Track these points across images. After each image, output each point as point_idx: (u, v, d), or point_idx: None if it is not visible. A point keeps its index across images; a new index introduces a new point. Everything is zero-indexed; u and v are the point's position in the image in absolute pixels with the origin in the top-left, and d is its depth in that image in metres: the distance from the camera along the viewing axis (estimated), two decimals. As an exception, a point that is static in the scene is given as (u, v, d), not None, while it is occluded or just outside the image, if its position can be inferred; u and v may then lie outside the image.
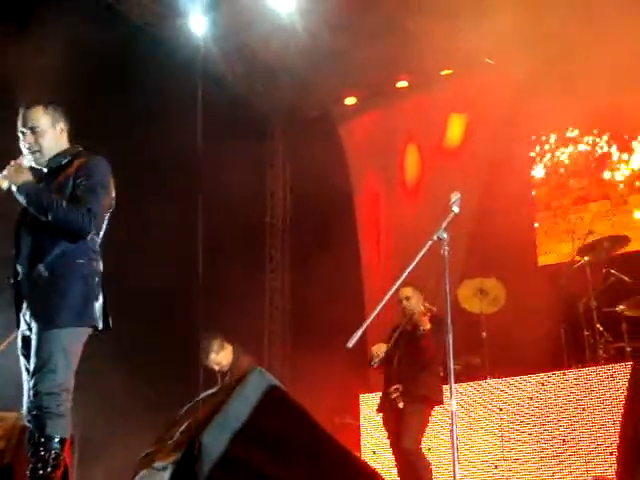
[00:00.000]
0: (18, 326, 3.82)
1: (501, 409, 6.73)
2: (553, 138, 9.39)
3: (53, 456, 3.51)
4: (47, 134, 3.87)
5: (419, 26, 8.73)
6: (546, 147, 9.44)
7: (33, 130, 3.84)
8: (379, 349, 6.03)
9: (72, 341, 3.66)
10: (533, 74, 8.56)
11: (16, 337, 4.51)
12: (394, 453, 5.89)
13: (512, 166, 9.01)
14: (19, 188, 3.68)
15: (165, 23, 9.28)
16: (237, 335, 8.46)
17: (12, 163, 3.78)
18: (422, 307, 5.82)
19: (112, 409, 7.05)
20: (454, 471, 3.87)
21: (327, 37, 9.35)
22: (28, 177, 3.75)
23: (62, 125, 3.94)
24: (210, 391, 3.28)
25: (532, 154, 9.48)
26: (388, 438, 6.00)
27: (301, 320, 10.04)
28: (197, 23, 9.25)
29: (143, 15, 9.06)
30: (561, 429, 6.44)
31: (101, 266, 3.86)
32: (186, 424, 3.01)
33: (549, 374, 6.70)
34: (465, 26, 8.16)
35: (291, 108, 10.88)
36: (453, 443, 3.88)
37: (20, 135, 3.89)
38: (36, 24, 6.84)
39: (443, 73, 9.79)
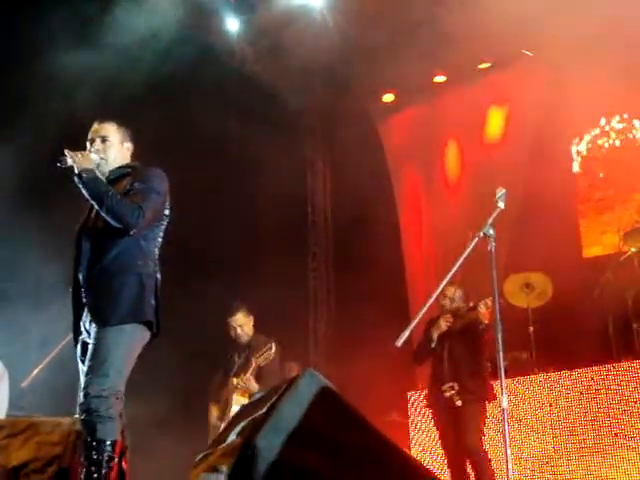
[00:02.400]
0: (75, 333, 3.92)
1: (551, 404, 6.68)
2: (595, 129, 9.27)
3: (106, 459, 3.57)
4: (114, 147, 4.11)
5: (455, 19, 8.70)
6: (587, 138, 9.32)
7: (103, 139, 4.09)
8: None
9: (128, 341, 3.75)
10: (572, 64, 8.45)
11: (69, 342, 4.62)
12: (448, 452, 5.86)
13: (554, 158, 8.91)
14: (81, 172, 3.85)
15: (200, 25, 9.35)
16: (282, 334, 8.54)
17: (81, 151, 3.96)
18: (485, 304, 5.72)
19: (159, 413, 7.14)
20: (507, 468, 3.86)
21: (362, 34, 9.35)
22: (92, 166, 3.92)
23: (128, 145, 4.20)
24: (261, 393, 3.30)
25: (574, 145, 9.36)
26: (440, 437, 5.97)
27: (345, 318, 10.03)
28: (232, 24, 9.33)
29: (178, 18, 9.13)
30: (612, 423, 6.37)
31: (157, 273, 3.99)
32: (240, 426, 3.03)
33: (599, 368, 6.63)
34: (501, 17, 8.10)
35: (329, 107, 10.88)
36: (505, 440, 3.87)
37: (88, 144, 4.09)
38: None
39: (481, 66, 9.71)
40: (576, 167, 9.32)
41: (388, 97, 10.54)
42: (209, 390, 6.69)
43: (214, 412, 6.46)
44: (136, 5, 7.96)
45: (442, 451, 6.10)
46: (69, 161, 3.85)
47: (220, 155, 8.50)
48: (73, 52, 6.88)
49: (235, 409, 5.92)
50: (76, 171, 3.85)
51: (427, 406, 6.18)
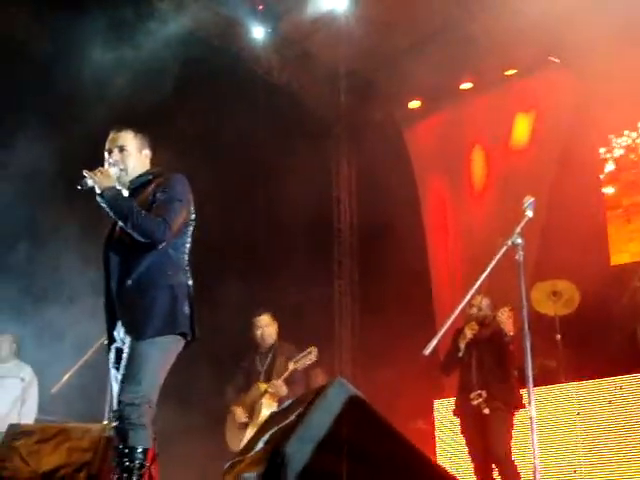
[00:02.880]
0: (110, 341, 3.95)
1: (579, 413, 6.63)
2: (622, 136, 9.20)
3: (137, 466, 3.58)
4: (133, 156, 4.06)
5: (481, 26, 8.69)
6: (614, 145, 9.25)
7: (121, 149, 4.04)
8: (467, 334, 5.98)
9: (163, 352, 3.76)
10: (599, 70, 8.40)
11: (99, 348, 4.66)
12: (475, 460, 5.84)
13: (581, 165, 8.85)
14: (103, 191, 3.82)
15: (227, 33, 9.42)
16: (307, 342, 8.56)
17: (99, 168, 3.92)
18: (501, 312, 5.74)
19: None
20: (535, 477, 3.84)
21: (388, 40, 9.37)
22: (113, 184, 3.89)
23: (147, 152, 4.15)
24: (290, 401, 3.31)
25: (601, 152, 9.30)
26: (467, 444, 5.96)
27: (370, 325, 10.01)
28: (258, 33, 9.39)
29: (205, 27, 9.21)
30: (640, 432, 6.32)
31: (189, 280, 3.98)
32: (269, 434, 3.05)
33: (627, 376, 6.58)
34: (528, 24, 8.08)
35: (355, 113, 10.90)
36: (534, 449, 3.85)
37: (106, 154, 4.06)
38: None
39: (507, 73, 9.69)
40: (603, 174, 9.25)
41: (414, 104, 10.54)
42: (227, 395, 6.65)
43: (237, 416, 6.40)
44: (166, 14, 8.08)
45: (469, 459, 6.08)
46: (89, 182, 3.82)
47: (246, 162, 8.54)
48: (107, 55, 6.99)
49: (265, 414, 5.91)
50: (98, 191, 3.83)
51: (455, 413, 6.15)
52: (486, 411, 5.69)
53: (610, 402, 6.52)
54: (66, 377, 6.02)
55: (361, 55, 9.85)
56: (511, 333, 5.69)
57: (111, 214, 3.84)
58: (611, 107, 8.38)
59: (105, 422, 4.97)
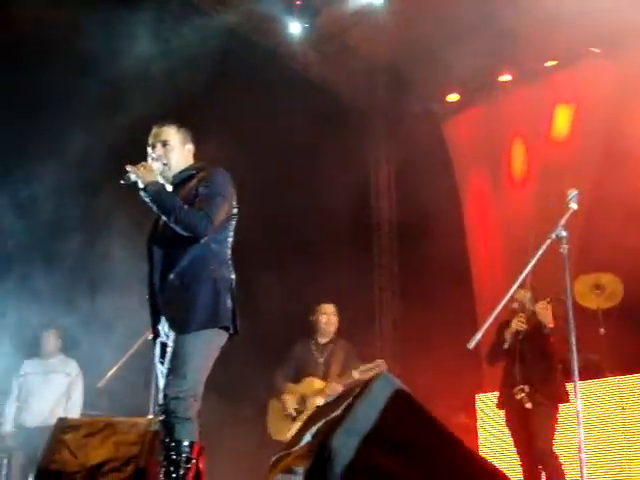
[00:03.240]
0: (154, 335, 3.99)
1: (624, 407, 6.56)
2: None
3: (184, 459, 3.62)
4: (176, 151, 4.09)
5: (520, 17, 8.61)
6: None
7: (164, 144, 4.07)
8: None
9: (207, 345, 3.80)
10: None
11: (144, 342, 4.71)
12: (520, 453, 5.80)
13: (624, 156, 8.72)
14: (147, 186, 3.85)
15: (264, 29, 9.45)
16: (349, 336, 8.56)
17: (142, 163, 3.95)
18: (539, 305, 5.70)
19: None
20: (581, 472, 3.81)
21: (426, 33, 9.32)
22: (156, 178, 3.93)
23: (190, 146, 4.18)
24: (336, 395, 3.33)
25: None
26: (512, 437, 5.90)
27: (411, 319, 9.99)
28: (295, 28, 9.41)
29: (243, 23, 9.25)
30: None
31: (232, 274, 4.00)
32: (316, 428, 3.06)
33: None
34: (568, 14, 7.99)
35: (393, 107, 10.88)
36: (580, 443, 3.83)
37: (149, 149, 4.09)
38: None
39: (547, 64, 9.60)
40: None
41: (453, 97, 10.50)
42: (274, 383, 6.43)
43: (287, 406, 6.21)
44: (206, 9, 8.13)
45: (511, 453, 6.05)
46: (132, 177, 3.85)
47: (284, 156, 8.56)
48: (152, 48, 7.07)
49: None
50: (141, 186, 3.86)
51: (499, 407, 6.10)
52: (528, 405, 5.64)
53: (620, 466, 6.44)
54: (112, 372, 6.09)
55: (398, 49, 9.82)
56: (550, 325, 5.63)
57: (154, 208, 3.87)
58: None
59: (151, 416, 5.03)
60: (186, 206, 3.83)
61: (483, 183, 10.21)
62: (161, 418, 3.69)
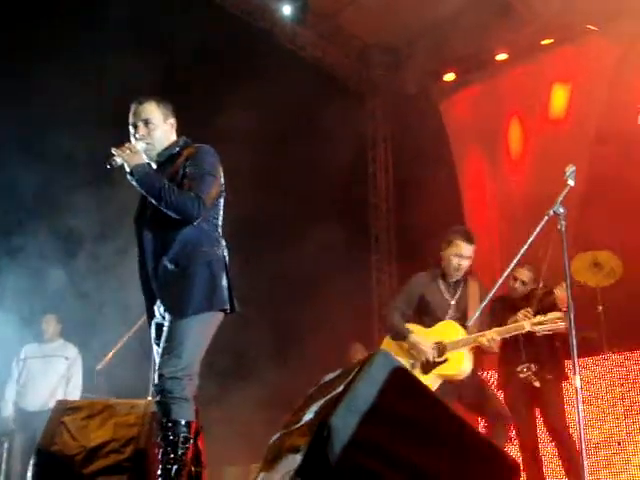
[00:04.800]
0: (149, 316, 3.95)
1: (622, 384, 6.58)
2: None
3: (182, 440, 3.59)
4: (159, 128, 3.97)
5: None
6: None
7: (146, 122, 3.94)
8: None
9: (203, 326, 3.76)
10: (637, 38, 8.25)
11: (143, 324, 4.68)
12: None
13: (620, 134, 8.70)
14: (133, 169, 3.75)
15: (259, 11, 9.41)
16: (345, 318, 8.58)
17: (127, 145, 3.84)
18: (559, 288, 5.53)
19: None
20: (581, 448, 3.82)
21: (421, 13, 9.28)
22: (142, 160, 3.82)
23: (172, 120, 4.05)
24: (334, 374, 3.32)
25: (641, 122, 9.14)
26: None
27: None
28: (290, 10, 9.37)
29: (238, 4, 9.21)
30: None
31: (225, 251, 3.94)
32: (314, 407, 3.06)
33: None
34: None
35: (389, 87, 10.84)
36: (579, 420, 3.83)
37: (131, 129, 3.97)
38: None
39: (543, 43, 9.55)
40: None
41: (449, 76, 10.45)
42: (391, 322, 5.33)
43: (423, 352, 5.12)
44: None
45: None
46: (118, 160, 3.75)
47: (279, 137, 8.53)
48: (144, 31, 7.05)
49: (467, 368, 5.08)
50: (127, 169, 3.75)
51: (498, 388, 6.00)
52: (537, 384, 5.55)
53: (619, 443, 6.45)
54: (110, 355, 6.10)
55: (394, 28, 9.77)
56: (564, 309, 5.51)
57: (143, 192, 3.79)
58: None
59: (150, 398, 5.03)
60: (175, 188, 3.74)
61: (480, 162, 10.20)
62: (157, 399, 3.66)
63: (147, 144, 3.92)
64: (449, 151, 10.33)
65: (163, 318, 3.84)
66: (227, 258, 3.94)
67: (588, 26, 9.01)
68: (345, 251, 8.89)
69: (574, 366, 3.85)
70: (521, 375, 5.62)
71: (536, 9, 8.42)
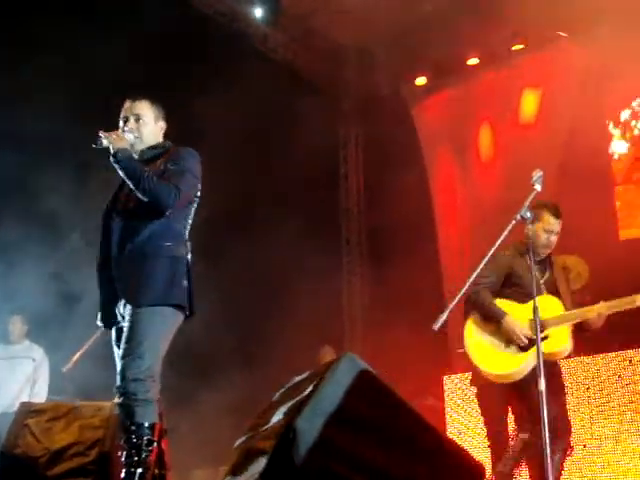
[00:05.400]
0: (104, 314, 3.96)
1: (588, 387, 6.64)
2: (630, 111, 9.14)
3: (146, 442, 3.59)
4: (149, 126, 4.09)
5: (488, 1, 8.63)
6: (624, 119, 9.20)
7: (138, 118, 4.06)
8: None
9: (162, 323, 3.76)
10: (607, 45, 8.33)
11: (102, 334, 4.66)
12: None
13: (590, 139, 8.80)
14: (117, 152, 3.82)
15: (231, 12, 9.38)
16: (315, 320, 8.58)
17: (116, 132, 3.95)
18: None
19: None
20: (545, 451, 3.84)
21: (395, 16, 9.30)
22: (127, 146, 3.91)
23: (162, 124, 4.17)
24: (301, 376, 3.31)
25: (610, 127, 9.25)
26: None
27: (379, 302, 10.04)
28: (260, 11, 9.36)
29: (211, 5, 9.17)
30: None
31: (189, 253, 3.98)
32: (280, 409, 3.06)
33: (636, 350, 6.57)
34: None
35: (362, 90, 10.86)
36: (543, 423, 3.85)
37: (121, 122, 4.08)
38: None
39: (514, 48, 9.62)
40: (613, 148, 9.20)
41: (421, 80, 10.48)
42: (478, 297, 5.00)
43: (519, 330, 4.86)
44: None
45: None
46: (104, 142, 3.82)
47: (253, 140, 8.51)
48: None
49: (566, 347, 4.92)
50: (112, 151, 3.82)
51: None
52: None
53: (619, 377, 6.52)
54: (76, 357, 6.05)
55: (366, 31, 9.79)
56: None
57: (122, 175, 3.85)
58: (620, 81, 8.33)
59: (116, 400, 4.99)
60: (155, 177, 3.82)
61: (451, 166, 10.25)
62: (120, 401, 3.64)
63: (135, 137, 4.01)
64: (420, 155, 10.37)
65: (123, 318, 3.83)
66: (190, 261, 3.97)
67: (559, 33, 9.09)
68: (315, 253, 8.87)
69: (539, 369, 3.88)
70: None
71: (507, 15, 8.46)
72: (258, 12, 9.43)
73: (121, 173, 3.84)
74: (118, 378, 3.67)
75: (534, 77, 9.67)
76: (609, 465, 6.36)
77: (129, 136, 3.99)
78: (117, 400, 3.69)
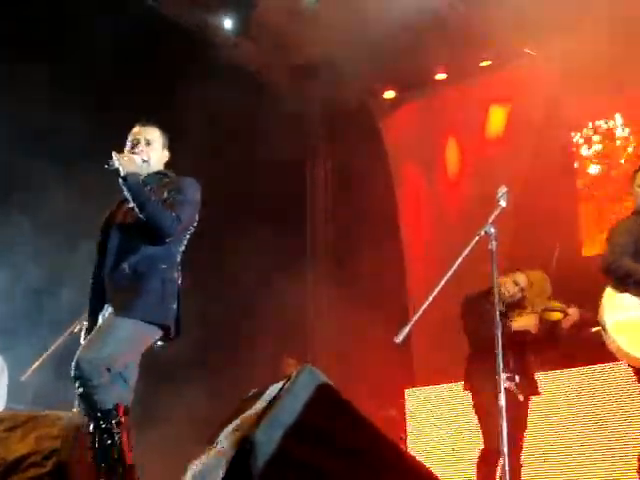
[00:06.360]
0: (89, 328, 4.04)
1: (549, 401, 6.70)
2: (595, 129, 9.27)
3: (115, 424, 3.66)
4: (157, 152, 4.25)
5: (457, 17, 8.71)
6: (588, 137, 9.32)
7: (148, 143, 4.21)
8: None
9: (137, 330, 3.85)
10: (573, 62, 8.44)
11: (70, 335, 4.70)
12: (488, 438, 5.38)
13: (554, 157, 8.92)
14: (127, 175, 3.91)
15: (199, 21, 9.37)
16: (280, 331, 8.56)
17: (127, 153, 4.08)
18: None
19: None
20: (504, 462, 3.88)
21: (362, 30, 9.34)
22: (137, 170, 4.01)
23: (167, 152, 4.35)
24: (259, 389, 3.32)
25: (575, 143, 9.36)
26: (480, 421, 5.51)
27: (343, 315, 10.03)
28: (230, 22, 9.36)
29: (179, 14, 9.16)
30: (615, 418, 6.40)
31: (179, 279, 4.12)
32: (237, 422, 3.06)
33: (595, 366, 6.64)
34: (504, 16, 8.10)
35: (330, 104, 10.88)
36: (502, 436, 3.88)
37: (129, 145, 4.21)
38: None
39: (482, 64, 9.72)
40: (577, 165, 9.32)
41: (389, 94, 10.55)
42: (616, 265, 4.75)
43: None
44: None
45: (440, 446, 6.00)
46: (116, 163, 3.91)
47: (220, 152, 8.48)
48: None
49: None
50: (122, 174, 3.91)
51: (468, 388, 5.69)
52: (521, 397, 5.43)
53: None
54: (36, 364, 5.97)
55: (335, 44, 9.81)
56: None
57: (129, 198, 3.94)
58: (585, 100, 8.44)
59: (75, 409, 4.93)
60: (160, 203, 3.95)
61: (418, 180, 10.32)
62: (80, 392, 3.67)
63: (144, 161, 4.13)
64: (388, 168, 10.42)
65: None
66: (179, 286, 4.10)
67: (526, 50, 9.20)
68: (280, 266, 8.86)
69: (499, 384, 3.91)
70: (505, 384, 5.40)
71: (474, 30, 8.55)
72: (228, 23, 9.42)
73: (127, 195, 3.94)
74: (73, 364, 3.70)
75: (501, 93, 9.78)
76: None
77: (139, 160, 4.09)
78: (77, 391, 3.72)
